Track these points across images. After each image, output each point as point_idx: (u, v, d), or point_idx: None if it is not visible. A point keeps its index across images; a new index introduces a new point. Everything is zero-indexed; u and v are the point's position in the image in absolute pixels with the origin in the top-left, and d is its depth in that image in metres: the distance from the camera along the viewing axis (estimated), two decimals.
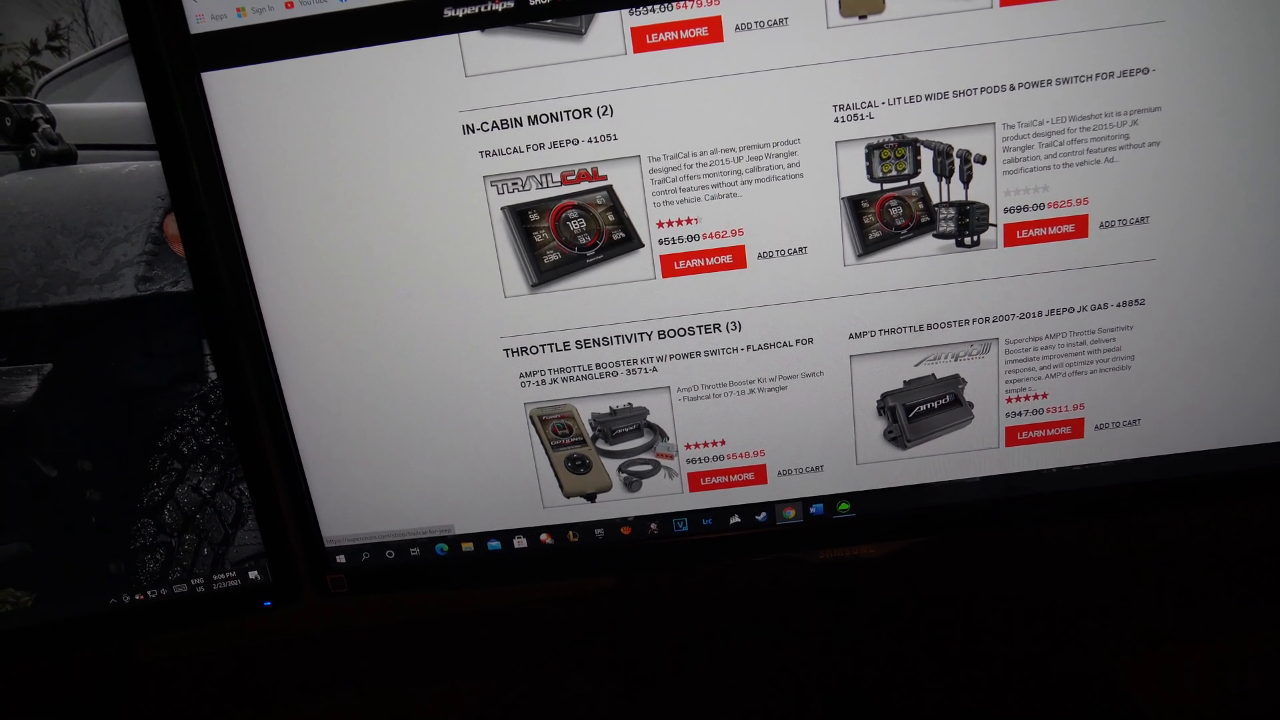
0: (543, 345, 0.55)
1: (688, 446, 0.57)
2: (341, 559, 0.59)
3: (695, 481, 0.58)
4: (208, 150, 0.51)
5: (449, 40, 0.49)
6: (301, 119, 0.51)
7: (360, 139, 0.51)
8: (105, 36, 0.50)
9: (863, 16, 0.49)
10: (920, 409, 0.56)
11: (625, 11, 0.49)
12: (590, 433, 0.57)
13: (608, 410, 0.56)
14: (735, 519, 0.58)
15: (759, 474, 0.57)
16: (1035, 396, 0.56)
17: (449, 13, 0.49)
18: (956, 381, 0.56)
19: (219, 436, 0.57)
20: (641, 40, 0.49)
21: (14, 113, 0.51)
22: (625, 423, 0.57)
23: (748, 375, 0.56)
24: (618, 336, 0.55)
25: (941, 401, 0.56)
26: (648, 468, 0.58)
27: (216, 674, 0.76)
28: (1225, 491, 0.57)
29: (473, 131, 0.51)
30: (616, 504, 0.58)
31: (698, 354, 0.55)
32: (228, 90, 0.50)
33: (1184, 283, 0.53)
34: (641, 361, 0.55)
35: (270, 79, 0.50)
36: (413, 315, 0.54)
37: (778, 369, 0.55)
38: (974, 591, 0.71)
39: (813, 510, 0.58)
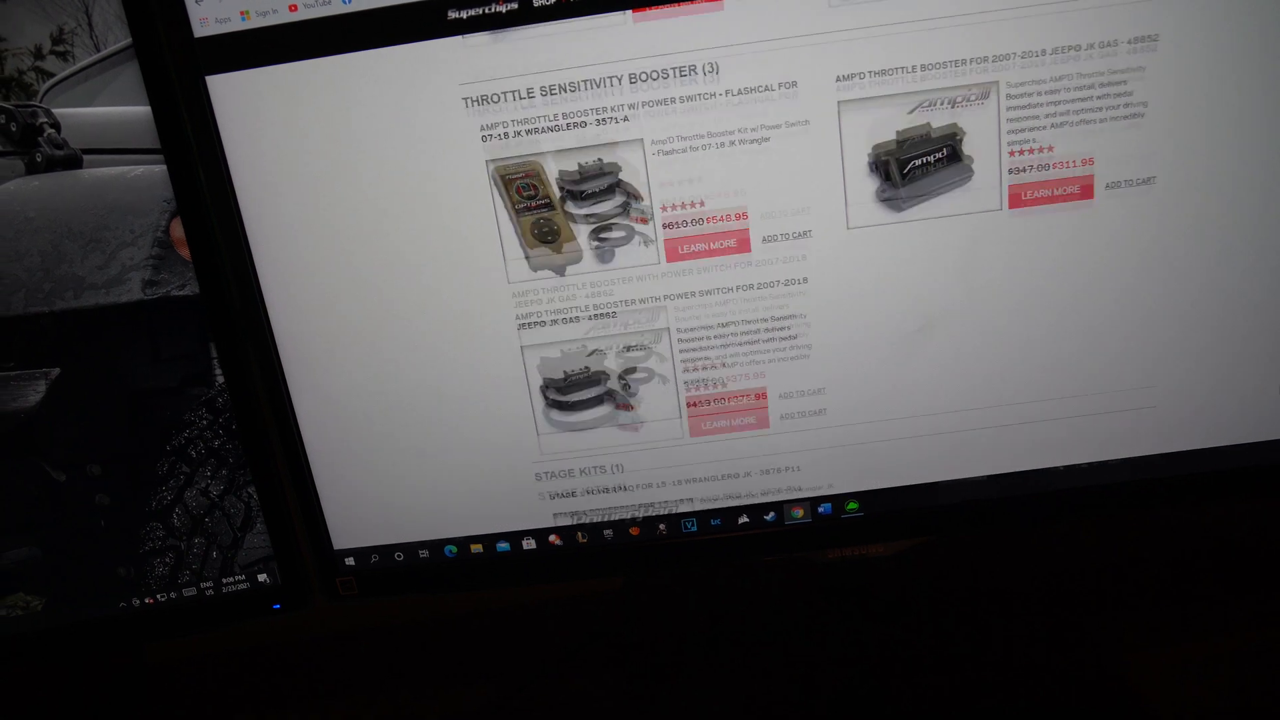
0: (504, 93, 0.50)
1: (664, 209, 0.53)
2: (350, 562, 0.59)
3: (673, 251, 0.53)
4: (213, 153, 0.51)
5: (453, 42, 0.49)
6: (306, 121, 0.50)
7: (365, 140, 0.51)
8: (109, 41, 0.50)
9: None
10: (915, 165, 0.51)
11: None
12: (558, 193, 0.52)
13: (575, 169, 0.52)
14: (743, 519, 0.58)
15: (741, 241, 0.53)
16: (1040, 150, 0.51)
17: (453, 15, 0.49)
18: (955, 133, 0.51)
19: (227, 440, 0.57)
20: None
21: (19, 118, 0.51)
22: (595, 182, 0.52)
23: (726, 126, 0.51)
24: (586, 82, 0.50)
25: (938, 156, 0.51)
26: (621, 234, 0.53)
27: (226, 676, 0.76)
28: (1232, 489, 0.57)
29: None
30: (589, 276, 0.54)
31: (672, 101, 0.51)
32: (232, 93, 0.50)
33: (1197, 17, 0.49)
34: (612, 110, 0.51)
35: (275, 82, 0.50)
36: (420, 315, 0.54)
37: (759, 119, 0.51)
38: (982, 591, 0.71)
39: (821, 510, 0.58)
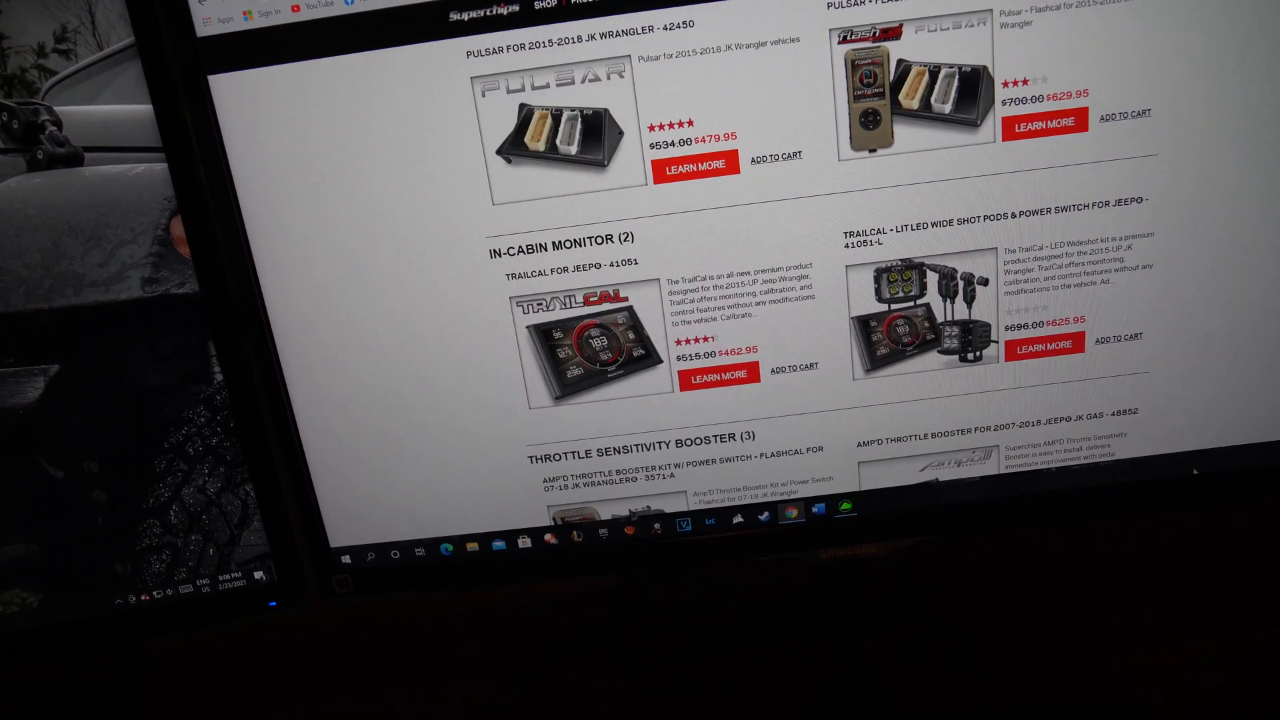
0: (565, 453, 0.57)
1: None
2: (347, 559, 0.60)
3: None
4: (214, 152, 0.51)
5: (455, 44, 0.49)
6: (308, 121, 0.51)
7: (367, 141, 0.51)
8: (112, 39, 0.50)
9: (872, 150, 0.51)
10: None
11: (646, 145, 0.51)
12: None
13: (626, 514, 0.59)
14: (738, 519, 0.59)
15: None
16: None
17: (455, 16, 0.49)
18: None
19: (225, 437, 0.57)
20: (661, 172, 0.51)
21: (21, 115, 0.51)
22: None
23: (760, 481, 0.58)
24: (637, 445, 0.57)
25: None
26: None
27: (221, 673, 0.76)
28: (1225, 492, 0.58)
29: (500, 255, 0.53)
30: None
31: (713, 461, 0.57)
32: (234, 93, 0.51)
33: (1176, 393, 0.55)
34: (659, 468, 0.57)
35: (276, 82, 0.50)
36: (418, 315, 0.54)
37: (789, 475, 0.58)
38: (975, 590, 0.72)
39: (815, 510, 0.59)
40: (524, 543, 0.59)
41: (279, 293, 0.54)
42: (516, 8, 0.49)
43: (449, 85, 0.50)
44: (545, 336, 0.54)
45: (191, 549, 0.59)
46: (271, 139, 0.51)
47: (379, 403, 0.56)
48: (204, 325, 0.55)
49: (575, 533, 0.59)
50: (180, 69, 0.50)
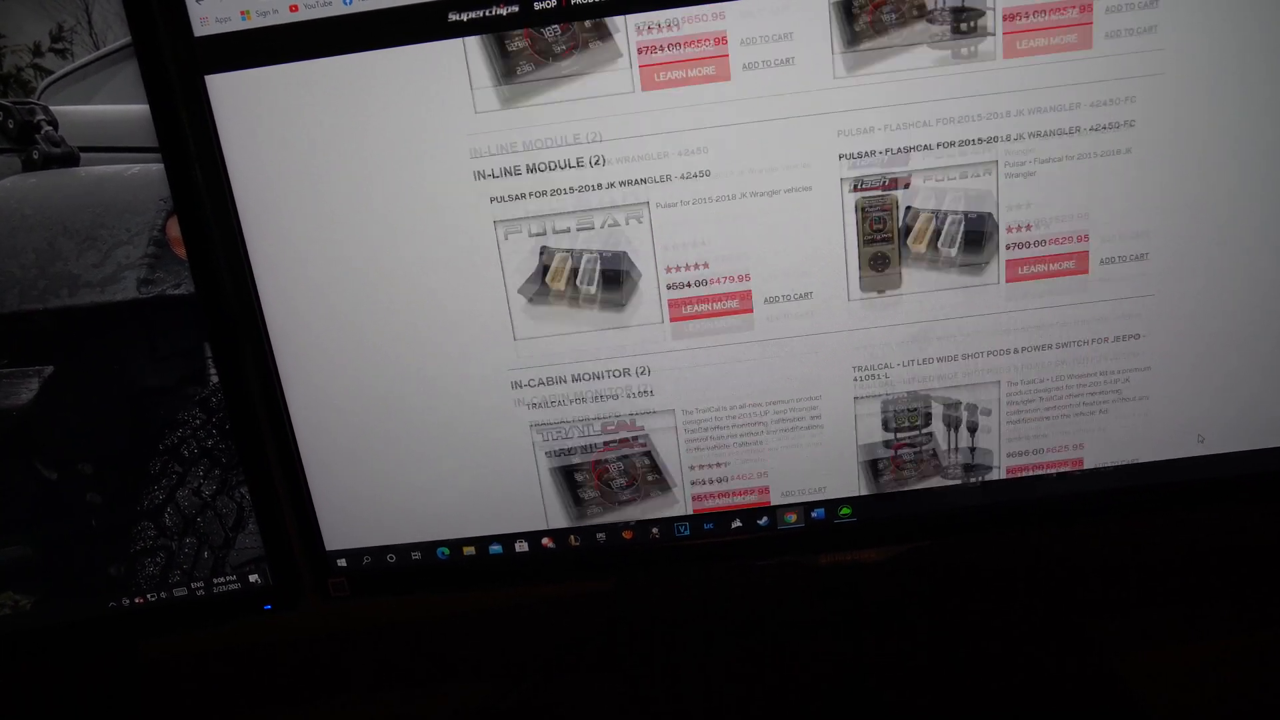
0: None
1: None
2: (342, 563, 0.59)
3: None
4: (210, 153, 0.51)
5: (454, 45, 0.49)
6: (305, 122, 0.51)
7: (364, 142, 0.51)
8: (109, 39, 0.50)
9: (881, 291, 0.52)
10: None
11: (663, 285, 0.53)
12: None
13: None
14: (737, 524, 0.58)
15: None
16: None
17: (454, 17, 0.49)
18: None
19: (220, 440, 0.57)
20: (678, 310, 0.53)
21: (17, 115, 0.51)
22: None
23: None
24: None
25: None
26: None
27: (221, 674, 0.76)
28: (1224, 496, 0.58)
29: (520, 387, 0.55)
30: None
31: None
32: (231, 93, 0.50)
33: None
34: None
35: (274, 82, 0.50)
36: (415, 317, 0.54)
37: None
38: (974, 593, 0.71)
39: (814, 515, 0.58)
40: (521, 546, 0.59)
41: (275, 294, 0.54)
42: (516, 8, 0.48)
43: (474, 221, 0.52)
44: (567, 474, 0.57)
45: (186, 552, 0.58)
46: (269, 139, 0.51)
47: (376, 405, 0.56)
48: (200, 327, 0.55)
49: (573, 537, 0.59)
50: (177, 69, 0.50)
